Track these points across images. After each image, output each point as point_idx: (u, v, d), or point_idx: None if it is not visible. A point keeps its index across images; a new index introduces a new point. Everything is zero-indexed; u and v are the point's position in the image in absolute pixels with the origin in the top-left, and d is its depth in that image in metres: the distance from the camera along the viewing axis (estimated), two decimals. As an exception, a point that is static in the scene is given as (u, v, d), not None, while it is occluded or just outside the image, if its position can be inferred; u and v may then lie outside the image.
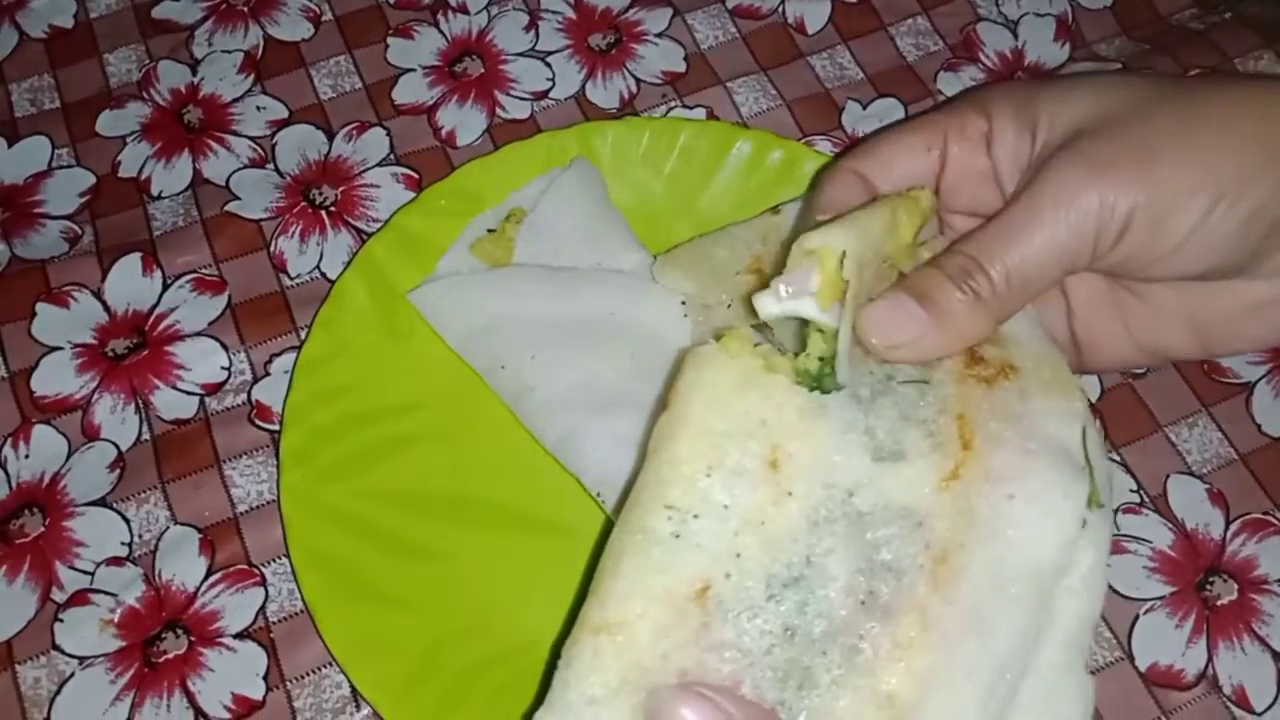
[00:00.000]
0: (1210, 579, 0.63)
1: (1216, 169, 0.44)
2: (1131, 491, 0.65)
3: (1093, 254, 0.46)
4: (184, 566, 0.62)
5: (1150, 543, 0.64)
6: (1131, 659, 0.61)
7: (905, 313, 0.46)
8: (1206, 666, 0.61)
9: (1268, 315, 0.48)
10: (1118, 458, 0.66)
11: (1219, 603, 0.62)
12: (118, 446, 0.65)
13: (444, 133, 0.76)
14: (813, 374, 0.45)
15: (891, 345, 0.46)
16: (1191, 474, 0.66)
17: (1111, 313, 0.52)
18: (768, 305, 0.45)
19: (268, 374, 0.67)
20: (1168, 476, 0.66)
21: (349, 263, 0.67)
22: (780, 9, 0.82)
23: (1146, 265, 0.47)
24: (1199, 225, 0.45)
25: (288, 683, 0.60)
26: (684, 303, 0.64)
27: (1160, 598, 0.62)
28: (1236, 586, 0.63)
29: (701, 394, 0.45)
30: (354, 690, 0.59)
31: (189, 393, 0.67)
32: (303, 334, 0.68)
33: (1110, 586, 0.62)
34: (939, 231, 0.55)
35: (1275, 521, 0.64)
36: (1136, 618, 0.62)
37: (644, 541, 0.44)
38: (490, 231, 0.68)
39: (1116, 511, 0.64)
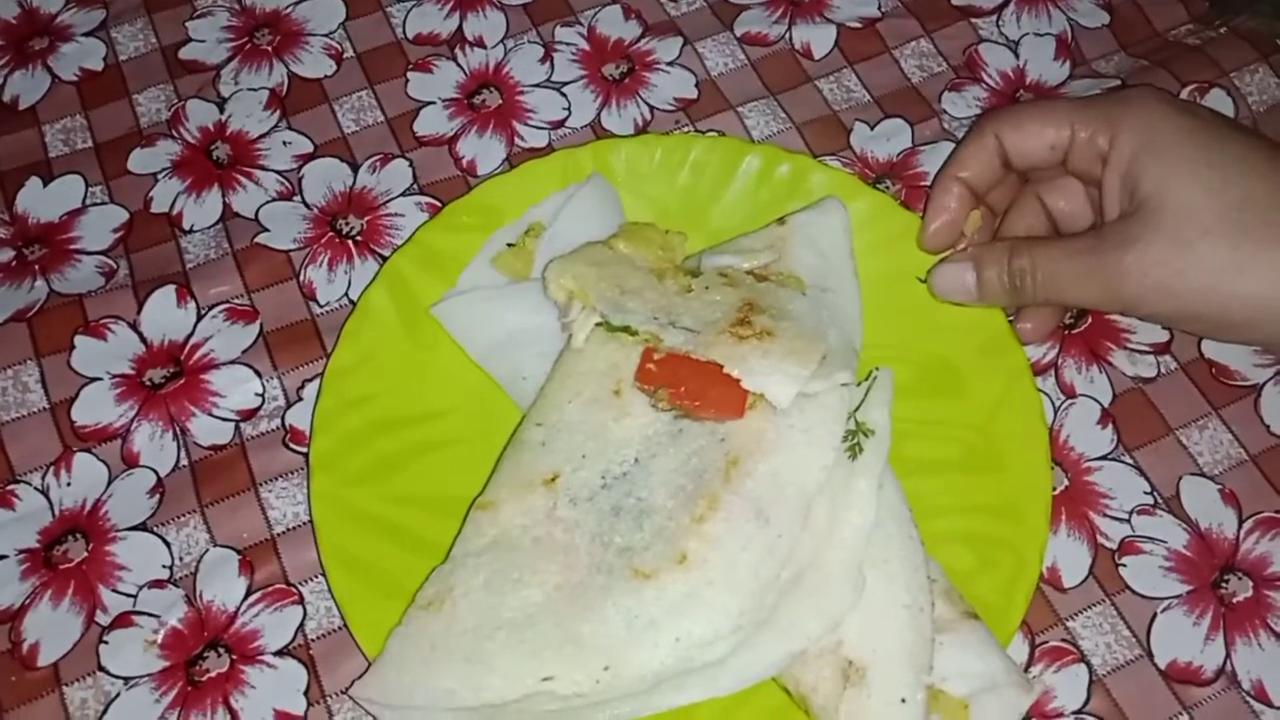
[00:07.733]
0: (1225, 577, 0.64)
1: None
2: (1145, 494, 0.67)
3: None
4: (224, 587, 0.64)
5: (1165, 543, 0.65)
6: (1151, 656, 0.62)
7: (959, 276, 0.65)
8: (1225, 662, 0.62)
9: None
10: (1130, 461, 0.68)
11: (1235, 600, 0.64)
12: (157, 473, 0.67)
13: (465, 162, 0.79)
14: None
15: (941, 293, 0.67)
16: (1204, 475, 0.67)
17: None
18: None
19: (300, 399, 0.69)
20: (1180, 478, 0.67)
21: (374, 276, 0.69)
22: (787, 35, 0.84)
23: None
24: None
25: (328, 698, 0.61)
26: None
27: (1177, 596, 0.64)
28: (1251, 584, 0.64)
29: (571, 352, 0.63)
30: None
31: (225, 419, 0.69)
32: (333, 358, 0.70)
33: (1127, 586, 0.64)
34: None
35: (1287, 520, 0.66)
36: (1154, 616, 0.63)
37: (519, 449, 0.61)
38: (510, 246, 0.70)
39: (1131, 513, 0.66)
